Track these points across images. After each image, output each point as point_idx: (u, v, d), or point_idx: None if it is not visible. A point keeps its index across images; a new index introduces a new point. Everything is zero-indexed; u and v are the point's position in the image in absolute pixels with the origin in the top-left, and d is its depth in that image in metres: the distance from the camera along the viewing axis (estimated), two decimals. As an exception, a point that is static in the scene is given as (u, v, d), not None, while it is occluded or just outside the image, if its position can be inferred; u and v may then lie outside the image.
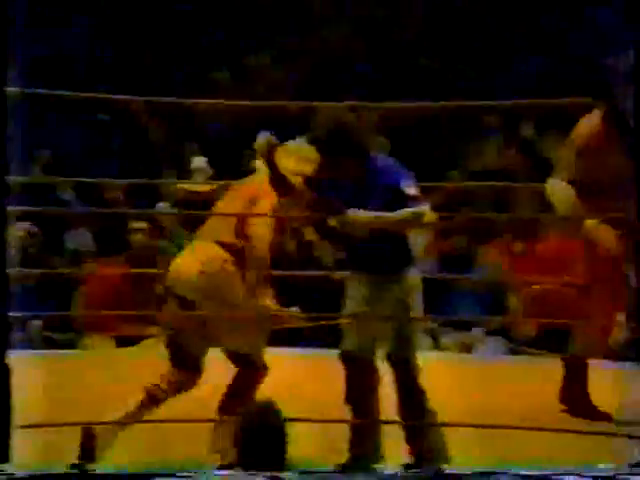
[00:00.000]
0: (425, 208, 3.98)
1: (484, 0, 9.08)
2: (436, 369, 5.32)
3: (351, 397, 4.03)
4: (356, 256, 4.10)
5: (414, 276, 4.07)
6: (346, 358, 4.02)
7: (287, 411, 3.39)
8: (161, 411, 4.18)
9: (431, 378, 4.33)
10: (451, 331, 6.60)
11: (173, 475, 3.62)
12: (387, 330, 4.01)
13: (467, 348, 6.56)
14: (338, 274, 4.75)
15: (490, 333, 6.55)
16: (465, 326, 6.61)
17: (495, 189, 7.18)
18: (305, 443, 3.62)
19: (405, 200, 3.95)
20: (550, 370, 5.34)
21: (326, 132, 4.04)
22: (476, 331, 6.58)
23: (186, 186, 7.22)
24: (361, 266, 4.06)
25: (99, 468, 3.95)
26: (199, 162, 7.43)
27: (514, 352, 6.35)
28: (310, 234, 7.15)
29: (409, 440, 4.02)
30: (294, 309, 6.11)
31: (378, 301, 4.01)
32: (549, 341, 6.19)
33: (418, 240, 7.13)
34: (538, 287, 6.34)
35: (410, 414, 4.01)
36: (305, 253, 7.07)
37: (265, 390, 4.10)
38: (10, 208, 3.58)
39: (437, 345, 6.52)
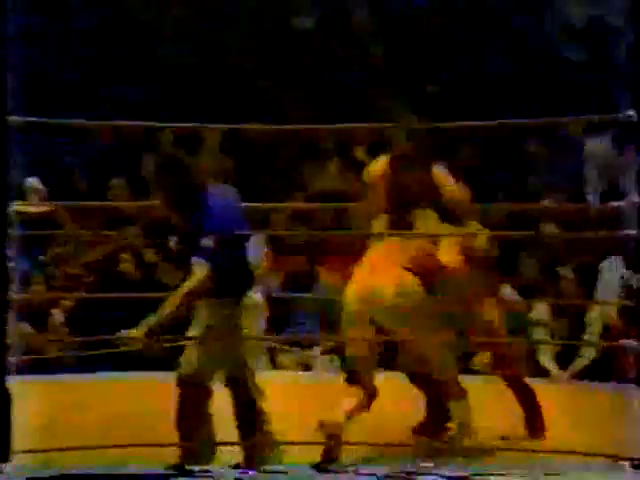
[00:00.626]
0: (197, 266, 3.97)
1: (323, 24, 9.27)
2: (275, 387, 5.41)
3: (184, 419, 4.07)
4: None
5: (254, 298, 4.15)
6: (182, 381, 4.08)
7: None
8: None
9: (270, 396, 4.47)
10: (294, 350, 6.68)
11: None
12: (227, 353, 4.07)
13: (306, 366, 6.64)
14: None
15: (329, 351, 6.65)
16: (307, 344, 6.70)
17: (334, 210, 7.32)
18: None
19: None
20: (382, 385, 5.47)
21: (155, 168, 4.11)
22: (315, 350, 6.68)
23: (19, 207, 7.09)
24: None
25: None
26: (32, 182, 7.33)
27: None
28: (151, 256, 7.14)
29: (246, 461, 4.10)
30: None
31: (221, 325, 4.09)
32: (384, 357, 6.33)
33: (258, 259, 7.24)
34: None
35: (247, 436, 4.10)
36: (146, 275, 7.05)
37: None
38: None
39: (275, 364, 6.58)
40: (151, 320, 3.96)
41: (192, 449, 4.07)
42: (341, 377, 4.64)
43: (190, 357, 4.10)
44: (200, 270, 3.93)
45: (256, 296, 4.21)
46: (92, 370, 5.92)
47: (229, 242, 4.01)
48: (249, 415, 4.12)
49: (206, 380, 4.08)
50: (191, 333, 4.18)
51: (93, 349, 6.04)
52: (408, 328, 4.52)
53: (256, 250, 7.32)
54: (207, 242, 3.94)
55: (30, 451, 3.88)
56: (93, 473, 3.86)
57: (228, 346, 4.09)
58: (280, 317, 6.76)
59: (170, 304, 3.96)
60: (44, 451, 4.04)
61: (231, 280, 4.07)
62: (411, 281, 4.50)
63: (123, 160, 8.26)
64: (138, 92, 8.86)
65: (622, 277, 6.19)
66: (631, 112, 4.57)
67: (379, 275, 4.50)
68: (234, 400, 4.19)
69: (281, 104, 8.68)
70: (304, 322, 6.76)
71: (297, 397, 5.44)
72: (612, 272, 6.27)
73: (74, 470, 3.88)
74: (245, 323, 4.12)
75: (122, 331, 4.21)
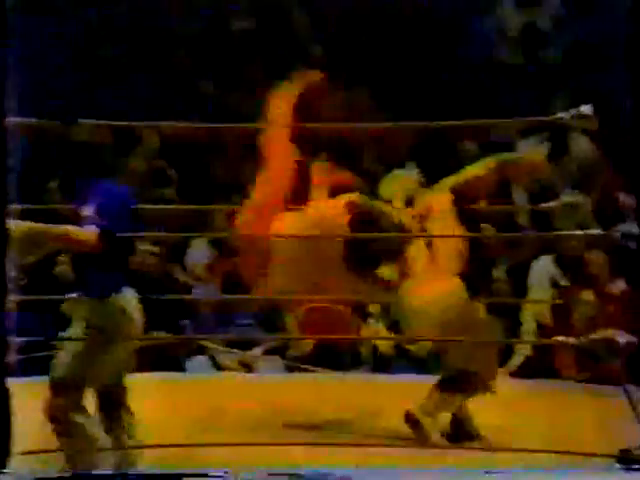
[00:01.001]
0: (75, 229, 4.00)
1: (261, 27, 9.30)
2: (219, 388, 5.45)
3: (57, 424, 4.04)
4: (77, 277, 4.18)
5: (127, 297, 4.13)
6: (55, 385, 4.05)
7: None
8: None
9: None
10: (233, 351, 6.71)
11: (205, 475, 3.63)
12: (103, 356, 4.07)
13: (247, 367, 6.68)
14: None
15: (269, 352, 6.69)
16: (247, 345, 6.73)
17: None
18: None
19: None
20: (323, 384, 5.56)
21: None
22: (256, 350, 6.71)
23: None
24: (78, 287, 4.14)
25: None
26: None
27: (291, 369, 6.51)
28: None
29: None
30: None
31: (96, 326, 4.06)
32: (324, 357, 6.41)
33: (199, 259, 7.26)
34: (312, 305, 6.53)
35: (114, 436, 4.13)
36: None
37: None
38: None
39: (217, 365, 6.62)
40: (26, 225, 3.95)
41: (70, 453, 4.01)
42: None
43: (63, 359, 4.06)
44: (87, 231, 3.92)
45: (130, 297, 4.18)
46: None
47: (112, 238, 3.99)
48: (118, 423, 4.14)
49: (80, 384, 4.04)
50: (68, 334, 4.16)
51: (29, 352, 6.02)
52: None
53: (199, 251, 7.36)
54: (88, 213, 3.95)
55: (30, 452, 3.92)
56: (93, 473, 3.88)
57: (104, 349, 4.05)
58: (222, 318, 6.80)
59: (53, 227, 3.95)
60: (44, 452, 4.06)
61: (109, 277, 4.06)
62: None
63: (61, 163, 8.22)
64: (74, 91, 8.83)
65: (551, 276, 6.31)
66: (586, 108, 4.68)
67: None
68: (99, 401, 4.19)
69: (222, 106, 8.71)
70: (250, 323, 6.79)
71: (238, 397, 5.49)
72: (542, 271, 6.38)
73: (74, 471, 3.90)
74: (119, 324, 4.08)
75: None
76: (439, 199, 4.94)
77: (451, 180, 5.00)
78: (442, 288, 4.77)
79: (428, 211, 4.93)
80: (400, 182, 5.08)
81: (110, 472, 3.89)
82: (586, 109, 4.83)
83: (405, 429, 4.77)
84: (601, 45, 8.28)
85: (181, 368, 6.48)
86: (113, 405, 4.15)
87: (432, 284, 4.78)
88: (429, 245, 4.88)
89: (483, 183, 4.95)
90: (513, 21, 8.70)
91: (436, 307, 4.74)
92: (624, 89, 7.54)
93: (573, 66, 8.31)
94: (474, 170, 4.98)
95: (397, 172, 5.17)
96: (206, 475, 3.64)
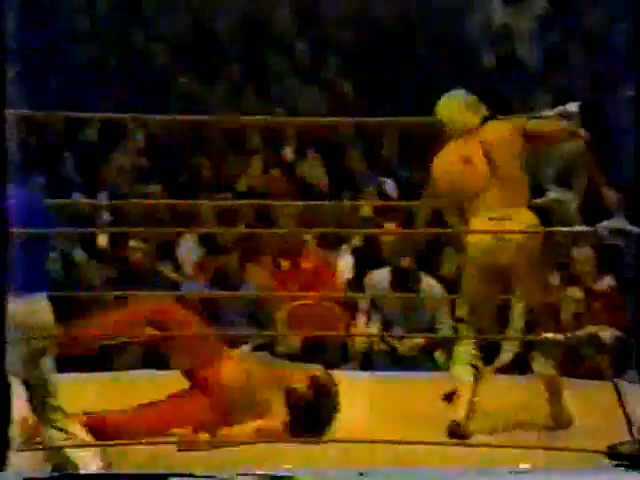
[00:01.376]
0: None
1: (239, 24, 9.34)
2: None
3: None
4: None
5: (37, 299, 4.13)
6: None
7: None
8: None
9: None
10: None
11: (191, 475, 3.64)
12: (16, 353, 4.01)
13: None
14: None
15: (257, 348, 6.71)
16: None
17: (259, 208, 7.40)
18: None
19: None
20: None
21: None
22: (244, 347, 6.73)
23: None
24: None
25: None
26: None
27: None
28: (80, 256, 7.14)
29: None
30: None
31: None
32: (312, 353, 6.44)
33: (192, 258, 7.27)
34: (300, 302, 6.57)
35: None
36: (73, 274, 7.05)
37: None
38: None
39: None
40: None
41: None
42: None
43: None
44: None
45: (32, 301, 4.11)
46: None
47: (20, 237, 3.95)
48: (42, 409, 4.14)
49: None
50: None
51: None
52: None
53: (187, 248, 7.38)
54: None
55: (29, 449, 3.94)
56: (93, 473, 3.89)
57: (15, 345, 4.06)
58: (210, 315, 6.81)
59: None
60: (42, 449, 4.07)
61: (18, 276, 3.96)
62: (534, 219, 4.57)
63: (44, 158, 8.23)
64: (59, 90, 8.83)
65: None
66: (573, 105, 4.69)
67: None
68: (30, 399, 4.19)
69: (207, 105, 8.74)
70: (232, 320, 6.80)
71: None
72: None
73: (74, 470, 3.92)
74: (32, 323, 4.07)
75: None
76: (512, 133, 4.64)
77: (529, 124, 4.71)
78: (516, 222, 4.54)
79: (495, 140, 4.64)
80: (469, 105, 4.70)
81: (102, 472, 3.90)
82: (572, 107, 4.84)
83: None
84: (585, 43, 8.36)
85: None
86: (37, 397, 4.16)
87: (506, 219, 4.56)
88: (498, 179, 4.63)
89: (553, 144, 4.81)
90: (497, 20, 8.76)
91: (511, 243, 4.54)
92: (607, 87, 7.63)
93: (555, 65, 8.38)
94: (556, 129, 4.72)
95: (458, 93, 4.76)
96: (193, 475, 3.66)
